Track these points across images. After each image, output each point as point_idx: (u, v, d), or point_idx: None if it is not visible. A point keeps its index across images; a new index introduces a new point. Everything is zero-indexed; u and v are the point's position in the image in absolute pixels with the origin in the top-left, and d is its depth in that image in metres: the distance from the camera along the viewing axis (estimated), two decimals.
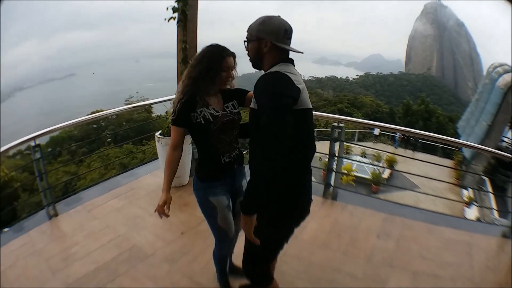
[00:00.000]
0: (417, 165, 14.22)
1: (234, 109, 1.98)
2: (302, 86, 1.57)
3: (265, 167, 1.42)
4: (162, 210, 1.93)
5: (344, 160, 3.84)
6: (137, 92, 34.95)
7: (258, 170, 1.46)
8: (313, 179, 1.87)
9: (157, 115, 25.64)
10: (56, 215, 3.18)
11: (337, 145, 3.83)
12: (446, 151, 21.09)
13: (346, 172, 10.75)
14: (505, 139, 19.26)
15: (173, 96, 4.11)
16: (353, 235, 3.26)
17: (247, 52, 1.71)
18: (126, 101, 31.65)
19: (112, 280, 2.48)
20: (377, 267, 2.82)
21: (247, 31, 1.68)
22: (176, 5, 3.51)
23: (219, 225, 2.05)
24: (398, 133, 20.98)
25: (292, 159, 1.55)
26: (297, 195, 1.68)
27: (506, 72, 19.22)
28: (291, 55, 1.68)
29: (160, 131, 3.84)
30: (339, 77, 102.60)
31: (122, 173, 4.28)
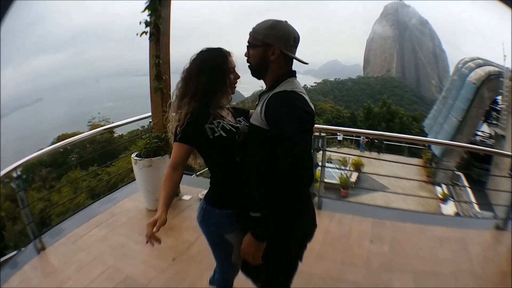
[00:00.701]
0: (384, 167, 14.58)
1: (247, 124, 1.74)
2: (312, 107, 1.53)
3: (292, 192, 1.39)
4: (151, 231, 1.45)
5: None
6: (98, 113, 34.35)
7: (282, 194, 1.39)
8: None
9: (119, 135, 25.30)
10: (43, 248, 3.03)
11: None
12: (412, 151, 21.92)
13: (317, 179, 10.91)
14: (479, 133, 19.87)
15: (147, 114, 4.05)
16: (346, 243, 3.29)
17: (247, 58, 1.58)
18: (88, 122, 31.10)
19: None
20: (377, 272, 2.87)
21: (251, 35, 1.54)
22: (148, 18, 3.43)
23: (232, 262, 1.82)
24: (362, 137, 21.49)
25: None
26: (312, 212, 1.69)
27: (478, 66, 19.53)
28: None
29: (136, 153, 3.71)
30: None
31: (99, 199, 4.10)
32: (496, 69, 18.86)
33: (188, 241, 3.18)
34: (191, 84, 1.65)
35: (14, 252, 3.04)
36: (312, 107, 1.52)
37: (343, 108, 52.54)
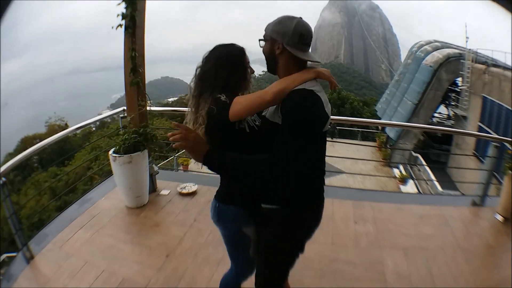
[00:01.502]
0: (338, 151, 14.72)
1: (259, 119, 1.70)
2: (329, 107, 1.52)
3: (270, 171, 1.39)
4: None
5: None
6: (54, 113, 32.87)
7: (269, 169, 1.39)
8: None
9: (73, 134, 24.48)
10: (32, 257, 2.78)
11: None
12: (365, 135, 22.01)
13: None
14: (436, 115, 20.01)
15: (119, 109, 3.85)
16: (332, 225, 3.35)
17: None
18: (46, 123, 29.76)
19: None
20: (368, 250, 2.98)
21: (264, 30, 1.54)
22: (124, 11, 3.23)
23: (250, 256, 1.78)
24: None
25: (311, 177, 1.60)
26: (320, 209, 1.73)
27: (436, 49, 19.33)
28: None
29: (113, 149, 3.49)
30: None
31: (76, 200, 3.84)
32: (456, 51, 18.62)
33: (177, 236, 3.09)
34: (210, 81, 1.58)
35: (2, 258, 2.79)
36: (329, 107, 1.52)
37: None
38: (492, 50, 16.37)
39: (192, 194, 3.86)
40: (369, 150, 16.63)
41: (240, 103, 1.47)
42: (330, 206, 3.67)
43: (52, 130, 27.03)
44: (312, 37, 1.51)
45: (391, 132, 18.88)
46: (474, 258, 2.97)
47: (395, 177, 13.26)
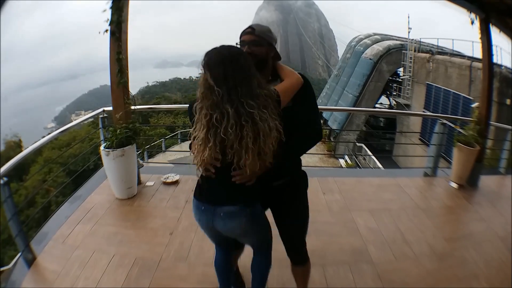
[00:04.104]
0: None
1: None
2: None
3: None
4: None
5: None
6: (10, 129, 31.20)
7: None
8: None
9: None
10: (34, 258, 2.53)
11: None
12: None
13: None
14: (378, 106, 19.97)
15: (100, 110, 3.77)
16: None
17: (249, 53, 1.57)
18: (3, 140, 27.71)
19: None
20: (340, 213, 3.26)
21: (256, 34, 1.61)
22: (110, 17, 3.24)
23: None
24: None
25: None
26: None
27: (375, 42, 19.00)
28: None
29: (104, 144, 3.45)
30: (182, 77, 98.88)
31: (66, 200, 3.67)
32: (398, 42, 18.59)
33: (175, 217, 3.12)
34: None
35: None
36: None
37: None
38: (437, 38, 16.27)
39: (176, 183, 3.89)
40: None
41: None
42: None
43: (8, 147, 24.99)
44: None
45: (333, 125, 18.77)
46: (436, 216, 3.31)
47: (341, 166, 13.29)
